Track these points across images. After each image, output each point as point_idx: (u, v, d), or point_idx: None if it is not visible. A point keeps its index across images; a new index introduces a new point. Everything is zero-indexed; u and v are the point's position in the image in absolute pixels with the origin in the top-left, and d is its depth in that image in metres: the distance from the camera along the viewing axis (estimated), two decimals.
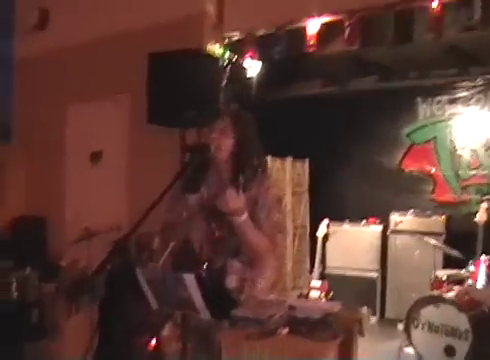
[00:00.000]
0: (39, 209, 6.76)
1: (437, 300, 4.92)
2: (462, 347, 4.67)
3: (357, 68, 6.82)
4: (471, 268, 5.19)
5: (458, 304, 4.79)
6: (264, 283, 2.77)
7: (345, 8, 4.76)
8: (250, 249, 2.66)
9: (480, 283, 5.07)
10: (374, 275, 6.65)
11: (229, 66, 5.47)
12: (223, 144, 2.77)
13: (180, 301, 2.35)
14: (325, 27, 4.97)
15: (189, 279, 2.26)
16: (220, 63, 5.34)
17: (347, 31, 4.71)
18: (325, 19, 4.90)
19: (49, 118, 6.82)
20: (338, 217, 6.90)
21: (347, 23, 4.70)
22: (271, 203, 2.72)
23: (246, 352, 2.16)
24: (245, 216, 2.56)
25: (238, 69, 5.52)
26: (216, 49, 5.38)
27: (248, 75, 5.59)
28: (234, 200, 2.52)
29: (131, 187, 6.07)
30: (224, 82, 5.36)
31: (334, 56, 5.48)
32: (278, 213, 2.79)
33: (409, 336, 4.98)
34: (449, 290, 5.06)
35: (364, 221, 6.91)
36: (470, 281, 5.13)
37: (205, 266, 2.65)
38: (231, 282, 2.68)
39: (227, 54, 5.47)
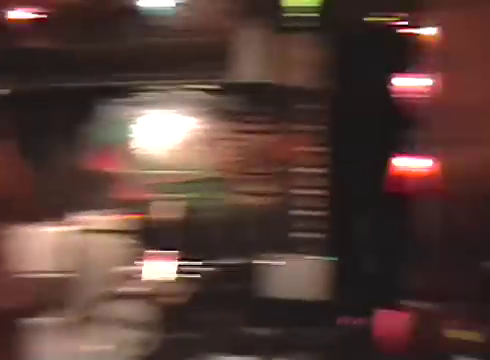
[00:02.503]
0: None
1: (119, 295, 5.05)
2: (145, 338, 4.87)
3: (56, 64, 6.59)
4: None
5: (139, 298, 4.99)
6: None
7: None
8: None
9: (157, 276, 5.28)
10: (64, 275, 6.50)
11: None
12: None
13: None
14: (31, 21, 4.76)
15: None
16: None
17: (44, 27, 4.57)
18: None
19: None
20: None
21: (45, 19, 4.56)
22: None
23: None
24: None
25: None
26: None
27: None
28: None
29: None
30: None
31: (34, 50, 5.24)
32: None
33: (86, 332, 5.01)
34: (133, 285, 5.21)
35: (53, 222, 6.70)
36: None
37: None
38: None
39: None
